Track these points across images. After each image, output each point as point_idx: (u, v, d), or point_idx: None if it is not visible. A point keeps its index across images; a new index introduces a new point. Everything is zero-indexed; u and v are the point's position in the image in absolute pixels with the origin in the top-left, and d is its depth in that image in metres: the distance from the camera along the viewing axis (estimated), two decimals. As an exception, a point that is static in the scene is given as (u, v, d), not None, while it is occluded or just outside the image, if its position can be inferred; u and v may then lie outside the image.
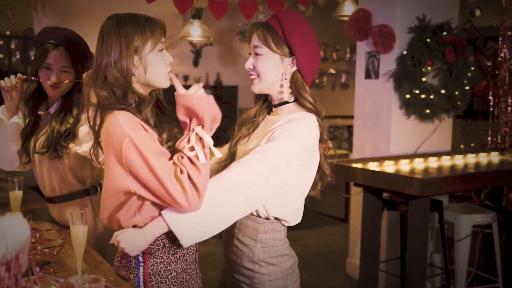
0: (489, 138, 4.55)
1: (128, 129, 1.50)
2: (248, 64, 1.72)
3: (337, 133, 8.72)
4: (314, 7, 7.56)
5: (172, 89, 1.57)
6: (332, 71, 8.85)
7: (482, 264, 3.97)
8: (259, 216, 1.70)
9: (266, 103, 1.84)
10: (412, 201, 3.08)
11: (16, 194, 2.10)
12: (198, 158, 1.44)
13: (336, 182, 7.44)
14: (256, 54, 1.70)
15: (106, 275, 1.61)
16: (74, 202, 2.25)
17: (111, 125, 1.52)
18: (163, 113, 1.70)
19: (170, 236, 1.58)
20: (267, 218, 1.71)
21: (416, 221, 3.12)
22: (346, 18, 5.37)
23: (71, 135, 2.13)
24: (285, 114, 1.72)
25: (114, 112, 1.54)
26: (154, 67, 1.59)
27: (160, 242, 1.59)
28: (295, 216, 1.75)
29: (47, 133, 2.15)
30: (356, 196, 4.15)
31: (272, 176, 1.60)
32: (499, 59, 4.47)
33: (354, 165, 3.40)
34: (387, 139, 3.95)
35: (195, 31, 5.11)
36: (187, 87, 1.50)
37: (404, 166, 3.52)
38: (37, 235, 2.02)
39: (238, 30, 6.46)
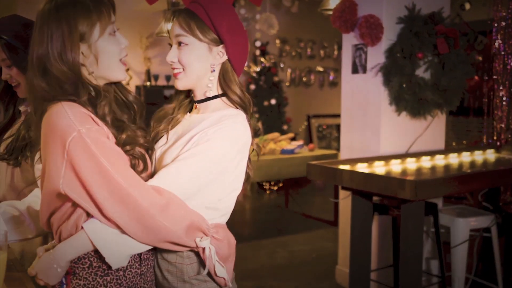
0: (485, 135, 4.32)
1: (77, 122, 1.25)
2: (171, 57, 1.48)
3: (326, 132, 8.48)
4: (299, 3, 7.31)
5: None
6: (320, 69, 8.61)
7: (480, 270, 3.71)
8: None
9: (188, 99, 1.59)
10: (405, 205, 2.82)
11: None
12: None
13: (323, 184, 7.20)
14: (180, 43, 1.46)
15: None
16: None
17: (55, 116, 1.27)
18: (128, 108, 1.45)
19: (100, 254, 1.31)
20: None
21: (409, 226, 2.86)
22: (331, 12, 5.16)
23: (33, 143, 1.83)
24: (210, 111, 1.51)
25: (61, 103, 1.29)
26: (105, 54, 1.35)
27: (86, 260, 1.32)
28: (222, 223, 1.51)
29: (14, 137, 1.86)
30: (346, 199, 3.88)
31: (207, 184, 1.38)
32: (493, 50, 4.24)
33: (342, 166, 3.13)
34: (377, 138, 3.68)
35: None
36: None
37: (396, 166, 3.27)
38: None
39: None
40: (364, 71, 3.72)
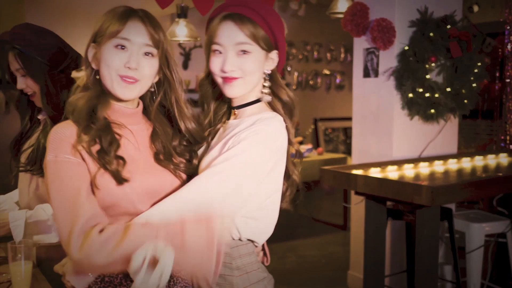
0: (496, 139, 4.28)
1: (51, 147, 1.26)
2: (231, 65, 1.42)
3: (333, 136, 8.44)
4: (306, 6, 7.28)
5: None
6: (327, 72, 8.57)
7: (494, 275, 3.67)
8: (232, 238, 1.43)
9: (224, 106, 1.56)
10: (420, 210, 2.79)
11: None
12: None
13: (332, 188, 7.16)
14: (242, 52, 1.42)
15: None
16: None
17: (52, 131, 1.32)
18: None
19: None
20: (240, 240, 1.44)
21: (425, 231, 2.82)
22: (340, 15, 5.12)
23: None
24: (247, 116, 1.48)
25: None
26: (104, 64, 1.32)
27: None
28: (267, 233, 1.49)
29: (34, 147, 1.84)
30: (354, 205, 3.85)
31: (237, 188, 1.33)
32: (506, 53, 4.21)
33: (355, 171, 3.10)
34: (389, 142, 3.65)
35: (181, 31, 4.80)
36: None
37: (409, 171, 3.24)
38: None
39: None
40: (376, 75, 3.69)
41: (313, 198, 7.10)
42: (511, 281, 3.37)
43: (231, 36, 1.42)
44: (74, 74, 1.75)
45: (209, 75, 1.52)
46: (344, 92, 8.64)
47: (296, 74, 8.27)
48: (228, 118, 1.55)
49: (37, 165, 1.80)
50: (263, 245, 1.60)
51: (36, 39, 1.84)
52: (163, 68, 1.37)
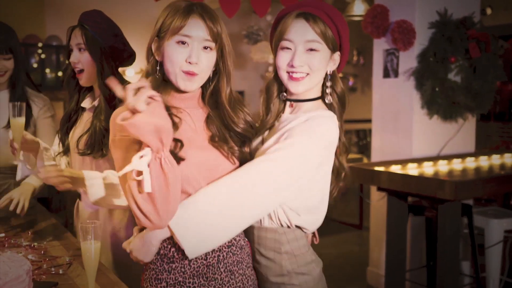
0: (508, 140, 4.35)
1: None
2: (301, 61, 1.50)
3: (346, 138, 8.51)
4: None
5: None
6: (340, 74, 8.65)
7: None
8: (281, 225, 1.52)
9: (281, 104, 1.63)
10: (442, 206, 2.88)
11: (17, 121, 1.88)
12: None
13: (348, 188, 7.25)
14: (311, 49, 1.50)
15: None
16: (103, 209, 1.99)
17: None
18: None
19: (168, 242, 1.40)
20: (288, 227, 1.53)
21: (446, 227, 2.91)
22: (357, 18, 5.21)
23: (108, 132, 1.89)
24: (303, 112, 1.55)
25: None
26: (168, 59, 1.43)
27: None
28: (317, 223, 1.58)
29: (90, 131, 1.93)
30: (376, 201, 3.94)
31: (288, 176, 1.42)
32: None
33: (377, 168, 3.19)
34: (409, 141, 3.74)
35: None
36: None
37: (428, 168, 3.32)
38: (42, 252, 1.81)
39: (245, 33, 6.28)
40: (396, 75, 3.78)
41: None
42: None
43: (302, 33, 1.50)
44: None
45: (277, 76, 1.58)
46: (356, 94, 8.71)
47: (309, 76, 8.36)
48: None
49: (96, 148, 1.89)
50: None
51: (105, 25, 1.97)
52: (218, 60, 1.47)
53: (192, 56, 1.38)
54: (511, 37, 6.48)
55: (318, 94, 1.58)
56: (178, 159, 1.35)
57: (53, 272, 1.61)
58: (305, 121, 1.48)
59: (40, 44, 5.86)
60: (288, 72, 1.52)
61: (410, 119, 3.72)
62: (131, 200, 1.28)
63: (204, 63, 1.42)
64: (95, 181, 1.73)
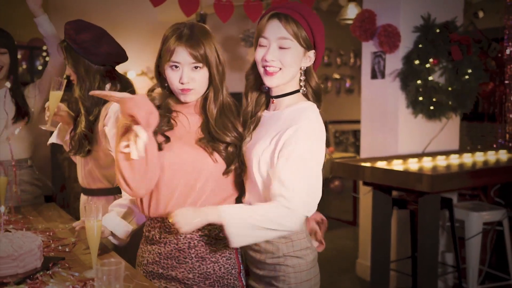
0: (500, 140, 4.54)
1: None
2: (273, 56, 1.65)
3: (343, 138, 8.71)
4: (317, 12, 7.58)
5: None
6: (337, 76, 8.85)
7: (494, 262, 3.94)
8: None
9: (263, 96, 1.80)
10: (422, 198, 3.07)
11: (55, 94, 2.15)
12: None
13: (343, 186, 7.44)
14: (282, 47, 1.65)
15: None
16: (101, 198, 2.25)
17: None
18: None
19: (151, 227, 1.71)
20: None
21: (426, 218, 3.10)
22: (350, 22, 5.40)
23: (88, 137, 2.15)
24: (285, 107, 1.72)
25: None
26: (169, 79, 1.71)
27: (142, 231, 1.77)
28: (314, 209, 1.71)
29: (73, 136, 2.23)
30: (365, 197, 4.14)
31: (312, 182, 1.61)
32: (505, 57, 4.48)
33: (363, 164, 3.39)
34: (395, 139, 3.94)
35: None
36: None
37: (413, 165, 3.51)
38: (50, 234, 2.02)
39: (242, 36, 6.47)
40: (383, 76, 3.98)
41: (324, 195, 7.34)
42: (508, 267, 3.64)
43: (276, 31, 1.64)
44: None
45: (254, 66, 1.74)
46: (353, 96, 8.90)
47: (307, 78, 8.54)
48: (267, 108, 1.79)
49: (79, 151, 2.19)
50: (318, 234, 1.87)
51: (74, 34, 2.13)
52: (210, 76, 1.71)
53: (183, 77, 1.65)
54: (503, 40, 6.63)
55: (297, 87, 1.73)
56: (160, 147, 1.63)
57: (60, 250, 1.82)
58: (298, 120, 1.63)
59: (44, 47, 6.07)
60: (263, 67, 1.67)
61: (396, 118, 3.92)
62: (117, 168, 1.55)
63: (197, 79, 1.67)
64: (115, 227, 1.87)
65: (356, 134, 8.66)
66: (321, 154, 1.64)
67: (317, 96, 1.76)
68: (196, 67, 1.65)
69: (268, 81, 1.68)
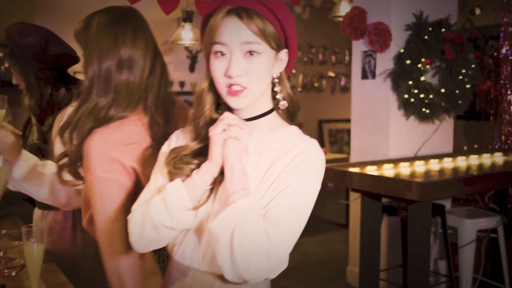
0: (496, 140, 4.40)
1: None
2: (238, 70, 1.18)
3: (338, 137, 8.57)
4: (310, 10, 7.42)
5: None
6: (331, 74, 8.70)
7: (488, 270, 3.79)
8: None
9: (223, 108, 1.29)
10: (412, 206, 2.92)
11: None
12: None
13: (336, 187, 7.30)
14: (251, 52, 1.19)
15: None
16: (58, 213, 2.04)
17: None
18: None
19: None
20: None
21: (417, 226, 2.95)
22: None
23: (42, 148, 1.98)
24: (266, 128, 1.29)
25: None
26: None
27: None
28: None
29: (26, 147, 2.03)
30: (356, 201, 3.98)
31: (307, 216, 1.29)
32: (501, 55, 4.33)
33: (351, 169, 3.23)
34: (386, 141, 3.78)
35: (187, 35, 4.96)
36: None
37: (404, 169, 3.36)
38: (1, 253, 1.86)
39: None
40: (373, 76, 3.82)
41: (318, 197, 7.22)
42: (503, 276, 3.49)
43: (237, 34, 1.17)
44: None
45: (211, 84, 1.26)
46: (348, 94, 8.71)
47: (301, 76, 8.40)
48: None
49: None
50: None
51: (18, 38, 1.95)
52: None
53: None
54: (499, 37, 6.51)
55: (270, 104, 1.30)
56: None
57: (6, 274, 1.66)
58: (296, 156, 1.23)
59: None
60: (227, 86, 1.20)
61: (387, 120, 3.76)
62: None
63: None
64: (25, 164, 1.78)
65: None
66: (318, 188, 1.32)
67: (290, 113, 1.33)
68: None
69: (234, 103, 1.21)
